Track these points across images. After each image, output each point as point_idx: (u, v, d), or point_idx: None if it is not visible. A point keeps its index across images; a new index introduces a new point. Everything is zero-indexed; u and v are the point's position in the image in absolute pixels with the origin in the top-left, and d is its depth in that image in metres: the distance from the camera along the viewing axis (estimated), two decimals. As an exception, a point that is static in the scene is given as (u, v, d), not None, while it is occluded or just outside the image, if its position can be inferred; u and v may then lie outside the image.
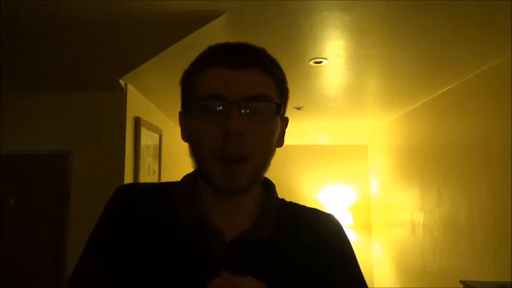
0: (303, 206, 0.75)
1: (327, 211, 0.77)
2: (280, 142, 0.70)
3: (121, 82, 2.44)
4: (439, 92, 2.95)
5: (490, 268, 2.30)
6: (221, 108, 0.61)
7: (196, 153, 0.65)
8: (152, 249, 0.64)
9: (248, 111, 0.61)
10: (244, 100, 0.61)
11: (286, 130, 0.72)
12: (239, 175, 0.61)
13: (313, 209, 0.75)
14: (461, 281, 2.07)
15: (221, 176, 0.61)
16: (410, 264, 3.61)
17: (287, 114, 0.73)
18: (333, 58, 2.20)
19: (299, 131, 4.53)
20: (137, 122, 2.66)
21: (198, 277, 0.60)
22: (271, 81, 0.65)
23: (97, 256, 0.68)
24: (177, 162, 3.80)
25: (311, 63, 2.23)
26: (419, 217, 3.39)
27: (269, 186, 0.74)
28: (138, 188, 0.74)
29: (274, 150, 0.67)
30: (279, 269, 0.64)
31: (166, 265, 0.63)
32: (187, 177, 0.73)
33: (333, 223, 0.73)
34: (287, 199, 0.76)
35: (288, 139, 0.74)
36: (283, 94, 0.68)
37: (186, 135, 0.68)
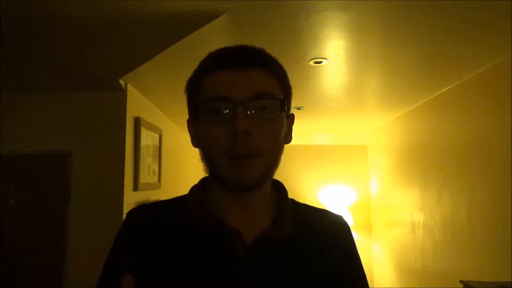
0: (314, 207, 0.78)
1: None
2: (288, 139, 0.72)
3: (121, 82, 2.44)
4: (439, 92, 2.95)
5: (490, 268, 2.30)
6: (227, 109, 0.62)
7: (207, 156, 0.67)
8: (176, 262, 0.64)
9: (254, 110, 0.63)
10: (249, 99, 0.62)
11: None
12: (250, 169, 0.62)
13: (324, 210, 0.78)
14: (461, 281, 2.07)
15: (233, 173, 0.62)
16: (410, 264, 3.61)
17: None
18: (333, 58, 2.20)
19: (299, 131, 4.53)
20: (137, 122, 2.66)
21: (225, 279, 0.61)
22: (273, 79, 0.67)
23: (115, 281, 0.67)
24: (177, 162, 3.80)
25: (311, 63, 2.23)
26: (419, 217, 3.39)
27: (280, 187, 0.75)
28: (148, 209, 0.74)
29: (283, 147, 0.69)
30: (303, 267, 0.66)
31: (192, 274, 0.63)
32: (194, 187, 0.74)
33: (344, 224, 0.76)
34: None
35: (289, 138, 0.74)
36: (286, 91, 0.70)
37: (196, 141, 0.70)
